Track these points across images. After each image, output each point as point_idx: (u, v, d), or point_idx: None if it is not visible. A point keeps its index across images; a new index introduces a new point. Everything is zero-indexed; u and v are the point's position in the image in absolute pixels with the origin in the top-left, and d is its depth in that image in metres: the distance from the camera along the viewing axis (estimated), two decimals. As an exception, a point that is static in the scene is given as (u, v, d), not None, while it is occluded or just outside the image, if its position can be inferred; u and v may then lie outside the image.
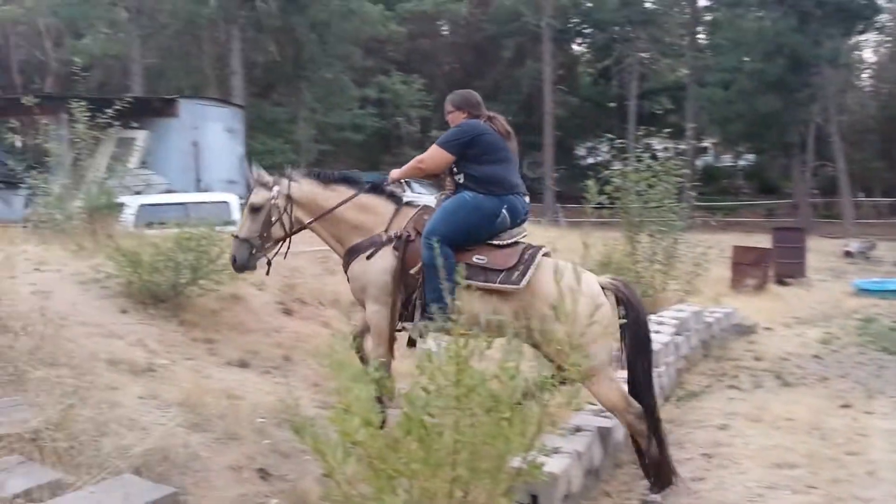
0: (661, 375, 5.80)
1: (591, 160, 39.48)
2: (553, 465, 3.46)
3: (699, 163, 38.53)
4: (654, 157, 10.24)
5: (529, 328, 3.92)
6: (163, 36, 32.50)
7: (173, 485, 3.15)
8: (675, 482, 4.14)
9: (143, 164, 17.65)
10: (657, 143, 21.52)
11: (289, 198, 4.70)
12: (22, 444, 3.17)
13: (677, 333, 7.03)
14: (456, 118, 4.62)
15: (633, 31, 37.27)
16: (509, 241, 4.31)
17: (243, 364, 5.41)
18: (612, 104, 42.40)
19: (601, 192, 8.62)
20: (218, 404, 4.17)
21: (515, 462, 2.78)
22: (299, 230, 4.83)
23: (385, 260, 4.42)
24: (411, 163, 4.79)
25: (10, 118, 25.85)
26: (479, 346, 2.70)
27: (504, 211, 4.30)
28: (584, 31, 42.20)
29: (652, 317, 6.93)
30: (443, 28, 43.51)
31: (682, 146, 25.50)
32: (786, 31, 30.01)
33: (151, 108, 18.84)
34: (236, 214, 12.21)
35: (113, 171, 9.95)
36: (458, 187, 4.51)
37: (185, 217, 7.71)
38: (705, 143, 41.61)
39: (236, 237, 4.69)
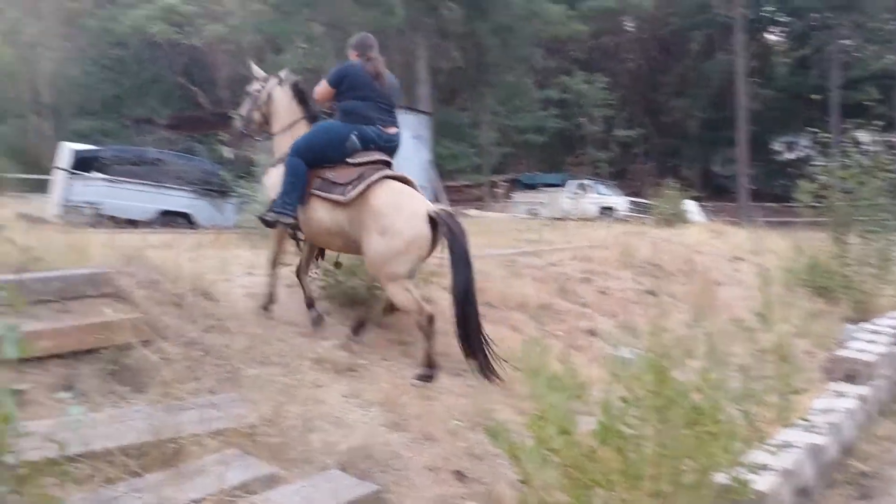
0: (878, 389, 5.35)
1: (789, 156, 37.18)
2: (760, 483, 3.28)
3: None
4: (862, 152, 9.51)
5: (355, 238, 5.05)
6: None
7: (376, 482, 3.28)
8: (435, 373, 4.97)
9: (338, 171, 18.53)
10: (865, 136, 19.91)
11: (269, 95, 5.86)
12: (239, 439, 3.40)
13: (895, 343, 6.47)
14: (351, 57, 5.55)
15: (834, 17, 34.71)
16: (361, 161, 5.19)
17: (434, 365, 5.53)
18: (811, 96, 39.75)
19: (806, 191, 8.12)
20: (414, 405, 4.29)
21: (720, 478, 2.66)
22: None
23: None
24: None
25: (220, 132, 28.12)
26: (679, 357, 2.61)
27: (353, 136, 5.23)
28: (778, 19, 39.82)
29: (865, 325, 6.41)
30: (627, 24, 42.57)
31: (894, 139, 23.46)
32: None
33: (345, 118, 19.73)
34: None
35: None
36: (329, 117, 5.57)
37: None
38: (919, 135, 38.08)
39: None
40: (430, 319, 5.01)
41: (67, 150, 15.23)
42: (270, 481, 3.12)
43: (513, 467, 2.77)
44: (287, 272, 6.47)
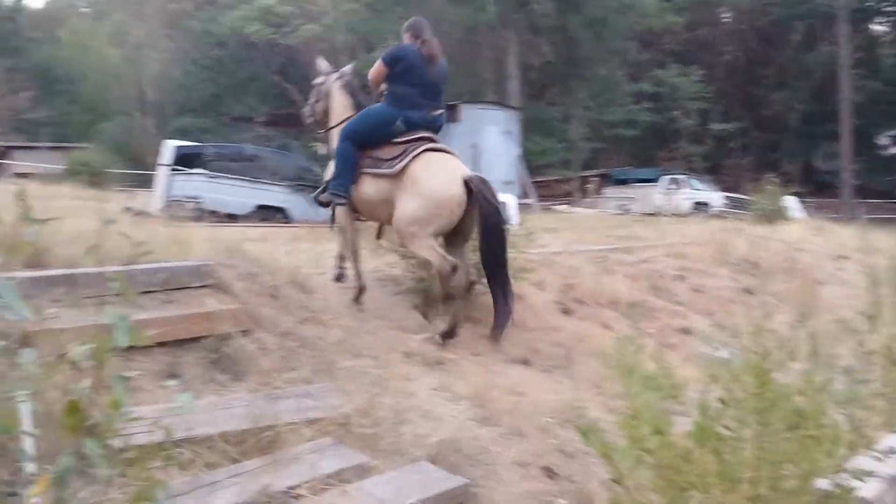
0: None
1: (895, 150, 35.44)
2: (865, 490, 3.14)
3: None
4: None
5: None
6: (445, 44, 34.15)
7: (465, 476, 3.29)
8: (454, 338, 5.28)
9: (429, 166, 18.68)
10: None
11: (328, 90, 6.23)
12: (333, 428, 3.47)
13: None
14: (405, 40, 5.67)
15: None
16: (405, 140, 5.45)
17: (525, 361, 5.53)
18: (921, 87, 37.78)
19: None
20: (504, 400, 4.29)
21: (822, 484, 2.56)
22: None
23: None
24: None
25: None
26: (781, 358, 2.53)
27: (399, 122, 5.49)
28: (885, 8, 37.96)
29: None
30: (724, 15, 41.34)
31: None
32: None
33: (436, 114, 19.86)
34: (514, 215, 12.51)
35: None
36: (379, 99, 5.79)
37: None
38: None
39: None
40: (454, 269, 5.25)
41: (170, 147, 15.83)
42: (362, 470, 3.17)
43: (604, 466, 2.73)
44: (377, 265, 6.57)
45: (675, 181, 27.02)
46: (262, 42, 39.89)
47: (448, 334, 5.35)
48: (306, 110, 6.58)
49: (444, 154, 5.52)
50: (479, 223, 5.33)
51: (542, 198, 26.93)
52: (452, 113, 20.66)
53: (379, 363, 4.46)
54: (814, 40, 37.37)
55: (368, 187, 5.57)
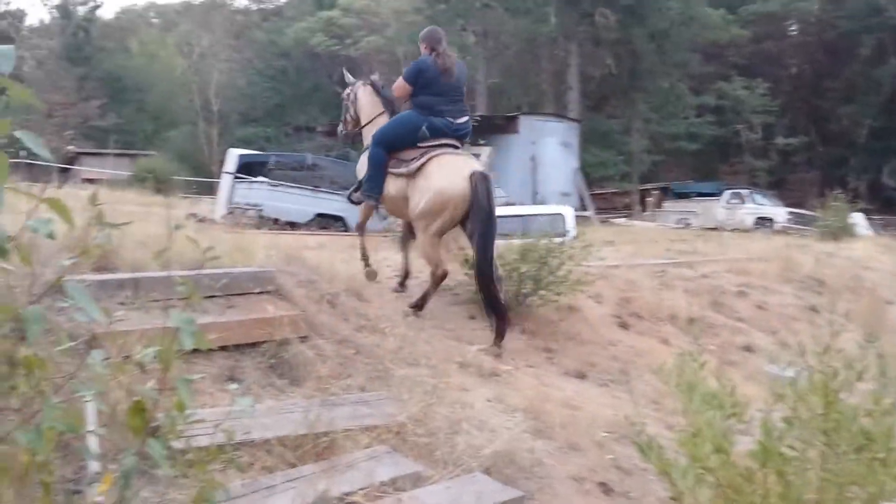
0: None
1: (971, 167, 34.21)
2: (934, 517, 3.03)
3: None
4: None
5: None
6: (505, 56, 34.25)
7: (519, 488, 3.26)
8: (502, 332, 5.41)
9: (486, 177, 18.71)
10: None
11: (356, 95, 6.64)
12: (389, 436, 3.48)
13: None
14: (422, 49, 6.05)
15: None
16: (428, 145, 5.80)
17: (581, 375, 5.48)
18: None
19: None
20: (559, 413, 4.25)
21: (890, 509, 2.47)
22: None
23: None
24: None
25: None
26: (848, 378, 2.45)
27: (424, 128, 5.83)
28: (959, 22, 36.67)
29: None
30: (790, 28, 40.49)
31: None
32: None
33: (495, 126, 19.90)
34: (571, 227, 12.43)
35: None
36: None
37: (523, 229, 8.02)
38: None
39: None
40: (443, 276, 5.76)
41: (233, 156, 16.14)
42: (417, 479, 3.17)
43: (663, 484, 2.68)
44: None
45: (737, 196, 26.48)
46: (325, 53, 40.56)
47: (418, 306, 5.74)
48: (340, 127, 7.04)
49: (458, 156, 5.87)
50: (472, 217, 5.55)
51: (600, 210, 26.69)
52: (511, 124, 20.66)
53: (434, 372, 4.46)
54: (884, 54, 36.27)
55: (391, 186, 6.01)
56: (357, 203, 6.54)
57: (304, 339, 4.18)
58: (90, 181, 27.01)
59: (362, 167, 6.32)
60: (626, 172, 33.02)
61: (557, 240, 6.58)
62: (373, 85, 6.60)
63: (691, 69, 33.35)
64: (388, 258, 7.71)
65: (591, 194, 25.60)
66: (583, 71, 31.49)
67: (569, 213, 14.16)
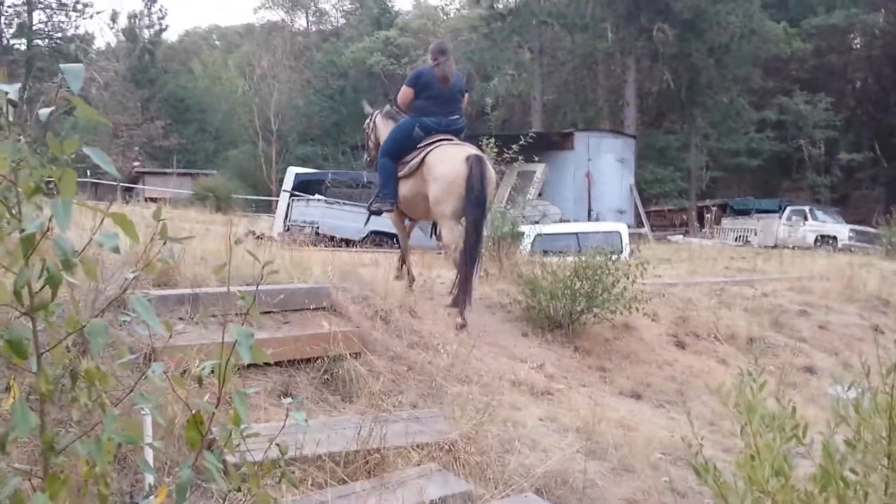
0: None
1: None
2: None
3: None
4: None
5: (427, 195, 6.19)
6: (561, 72, 34.19)
7: (572, 509, 3.23)
8: (463, 306, 5.77)
9: (540, 194, 18.65)
10: None
11: (374, 123, 7.19)
12: (440, 454, 3.47)
13: None
14: (429, 60, 6.64)
15: None
16: (426, 143, 6.32)
17: (636, 395, 5.40)
18: None
19: None
20: (613, 433, 4.20)
21: (958, 538, 2.37)
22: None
23: None
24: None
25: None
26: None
27: (416, 128, 6.41)
28: None
29: None
30: (854, 41, 39.56)
31: None
32: None
33: (550, 142, 19.85)
34: (626, 244, 12.30)
35: (514, 202, 10.62)
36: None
37: (577, 246, 7.95)
38: None
39: None
40: (462, 254, 6.01)
41: (291, 174, 16.40)
42: (468, 499, 3.16)
43: (719, 507, 2.62)
44: (486, 291, 6.59)
45: (799, 213, 25.87)
46: (382, 72, 41.03)
47: (455, 303, 5.90)
48: (364, 155, 7.69)
49: (454, 145, 6.30)
50: (465, 195, 5.95)
51: (656, 227, 26.37)
52: (566, 141, 20.57)
53: (486, 390, 4.45)
54: (955, 66, 35.25)
55: (403, 188, 6.52)
56: (377, 213, 7.04)
57: (357, 355, 4.21)
58: (153, 199, 27.76)
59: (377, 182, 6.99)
60: (683, 189, 32.58)
61: (612, 257, 6.51)
62: (388, 113, 7.10)
63: (752, 83, 32.79)
64: (441, 275, 7.73)
65: (648, 211, 25.30)
66: (640, 86, 31.24)
67: (624, 229, 14.03)
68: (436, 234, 7.04)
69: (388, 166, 6.56)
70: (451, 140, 6.37)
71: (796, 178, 36.08)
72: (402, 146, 6.49)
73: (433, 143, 6.32)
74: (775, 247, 19.98)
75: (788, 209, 26.33)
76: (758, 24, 30.21)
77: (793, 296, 8.87)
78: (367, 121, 7.38)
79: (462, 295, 5.83)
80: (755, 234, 25.63)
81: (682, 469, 3.80)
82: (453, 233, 6.08)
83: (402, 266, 6.90)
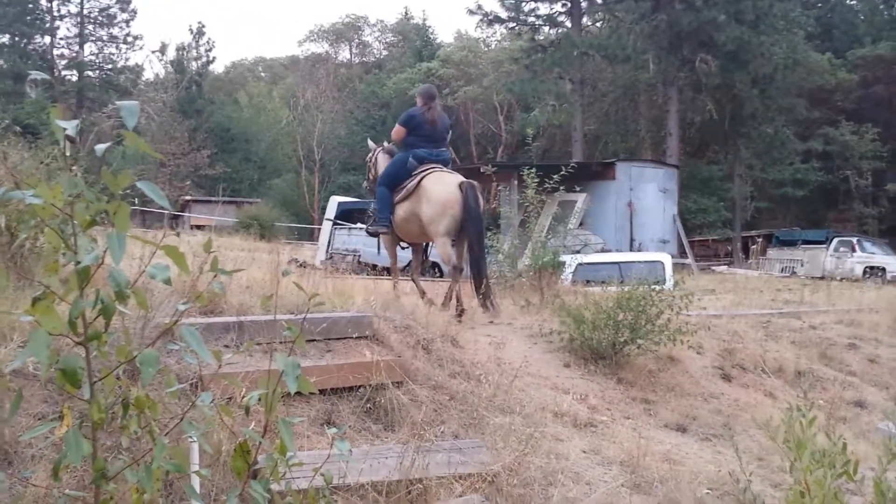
0: None
1: None
2: None
3: None
4: None
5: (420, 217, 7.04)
6: (602, 103, 34.16)
7: (616, 545, 3.18)
8: (462, 313, 6.55)
9: (582, 224, 18.57)
10: None
11: (375, 159, 8.04)
12: (483, 485, 3.45)
13: None
14: (417, 102, 7.59)
15: None
16: (421, 169, 7.17)
17: (681, 428, 5.31)
18: None
19: None
20: (658, 467, 4.13)
21: None
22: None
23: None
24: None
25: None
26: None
27: (411, 159, 7.28)
28: None
29: None
30: (902, 70, 38.87)
31: None
32: None
33: (591, 172, 19.79)
34: (670, 274, 12.17)
35: (555, 232, 10.59)
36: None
37: (619, 276, 7.88)
38: None
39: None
40: (455, 269, 7.09)
41: (334, 203, 16.57)
42: (511, 532, 3.13)
43: (769, 545, 2.56)
44: (528, 321, 6.56)
45: (846, 244, 25.35)
46: (423, 102, 41.37)
47: (459, 304, 6.68)
48: (364, 183, 8.84)
49: (447, 173, 7.24)
50: (463, 219, 6.88)
51: (700, 258, 26.04)
52: (607, 171, 20.50)
53: (529, 421, 4.41)
54: None
55: (400, 210, 7.29)
56: (374, 235, 7.97)
57: (399, 384, 4.22)
58: (199, 227, 28.22)
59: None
60: (727, 219, 32.19)
61: (656, 287, 6.44)
62: (388, 150, 8.00)
63: (796, 114, 32.37)
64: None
65: (691, 241, 25.03)
66: (682, 117, 31.03)
67: (667, 259, 13.88)
68: (427, 255, 8.30)
69: (385, 195, 7.40)
70: (442, 168, 7.29)
71: (843, 209, 35.44)
72: (398, 175, 7.35)
73: (427, 169, 7.17)
74: (822, 278, 19.60)
75: (836, 240, 25.81)
76: (802, 55, 29.90)
77: (841, 328, 8.69)
78: (370, 155, 8.25)
79: (485, 297, 6.97)
80: (801, 265, 25.17)
81: (730, 505, 3.72)
82: (446, 248, 7.03)
83: (395, 286, 7.52)
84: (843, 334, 8.43)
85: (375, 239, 15.67)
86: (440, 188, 6.96)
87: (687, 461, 4.50)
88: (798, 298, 11.11)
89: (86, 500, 1.62)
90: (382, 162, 7.89)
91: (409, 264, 15.39)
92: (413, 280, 7.83)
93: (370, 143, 8.57)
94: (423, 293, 7.23)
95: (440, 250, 7.13)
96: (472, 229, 6.91)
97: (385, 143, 8.24)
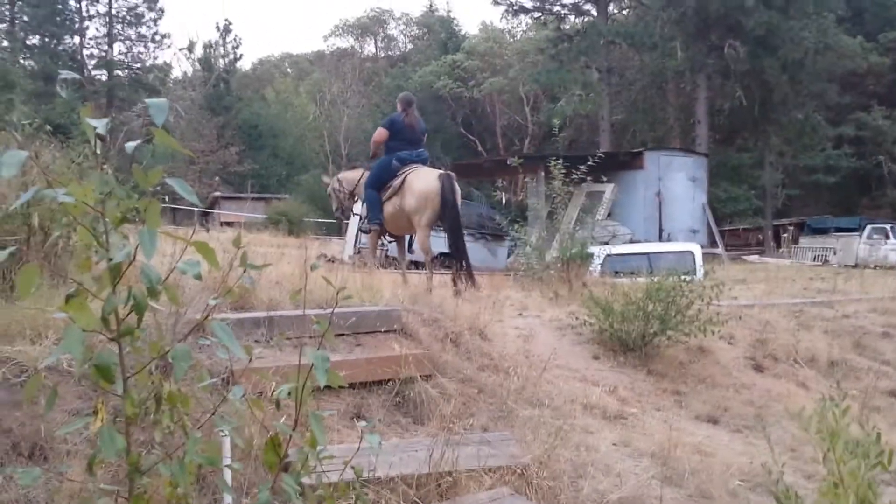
0: None
1: None
2: None
3: None
4: None
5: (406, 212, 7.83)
6: (629, 92, 33.87)
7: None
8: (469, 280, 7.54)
9: (610, 215, 18.46)
10: None
11: (339, 182, 9.27)
12: (512, 478, 3.44)
13: None
14: (398, 108, 8.30)
15: None
16: (405, 169, 7.94)
17: (712, 419, 5.28)
18: None
19: None
20: (689, 459, 4.10)
21: None
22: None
23: None
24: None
25: (497, 177, 29.20)
26: None
27: (394, 161, 8.03)
28: None
29: None
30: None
31: None
32: None
33: (618, 162, 19.64)
34: (700, 264, 12.06)
35: (583, 223, 10.54)
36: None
37: (648, 267, 7.84)
38: None
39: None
40: (433, 258, 8.12)
41: (361, 197, 16.56)
42: (541, 524, 3.12)
43: (802, 537, 2.53)
44: (556, 313, 6.54)
45: (880, 231, 24.91)
46: (449, 95, 41.37)
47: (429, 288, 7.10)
48: (336, 213, 10.08)
49: (428, 168, 8.08)
50: (441, 207, 7.64)
51: (730, 247, 25.77)
52: (636, 160, 20.34)
53: (558, 414, 4.41)
54: None
55: (388, 207, 8.00)
56: (367, 232, 8.68)
57: (427, 377, 4.23)
58: (228, 224, 28.46)
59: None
60: (758, 207, 31.80)
61: (686, 278, 6.39)
62: (350, 165, 9.16)
63: (827, 99, 31.83)
64: (510, 296, 7.72)
65: (722, 230, 24.78)
66: (711, 104, 30.69)
67: (697, 250, 13.76)
68: (411, 249, 9.13)
69: (373, 196, 8.15)
70: (423, 166, 8.08)
71: (876, 196, 34.88)
72: (383, 177, 8.10)
73: (409, 168, 7.95)
74: (855, 266, 19.33)
75: (869, 227, 25.38)
76: (832, 39, 29.36)
77: (875, 317, 8.56)
78: (328, 188, 9.38)
79: (467, 273, 7.66)
80: (834, 253, 24.80)
81: (762, 497, 3.69)
82: (427, 239, 7.83)
83: (404, 277, 8.04)
84: (876, 323, 8.31)
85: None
86: (422, 182, 7.74)
87: (718, 453, 4.47)
88: (831, 287, 10.96)
89: (120, 494, 1.65)
90: (349, 177, 9.14)
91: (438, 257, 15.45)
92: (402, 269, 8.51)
93: (324, 177, 10.00)
94: (406, 280, 7.68)
95: (422, 240, 7.89)
96: (448, 214, 7.72)
97: (339, 173, 9.62)
